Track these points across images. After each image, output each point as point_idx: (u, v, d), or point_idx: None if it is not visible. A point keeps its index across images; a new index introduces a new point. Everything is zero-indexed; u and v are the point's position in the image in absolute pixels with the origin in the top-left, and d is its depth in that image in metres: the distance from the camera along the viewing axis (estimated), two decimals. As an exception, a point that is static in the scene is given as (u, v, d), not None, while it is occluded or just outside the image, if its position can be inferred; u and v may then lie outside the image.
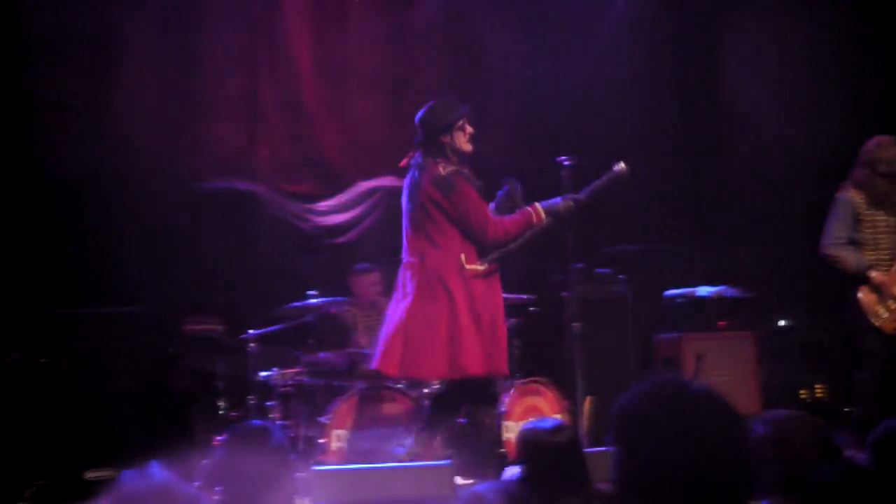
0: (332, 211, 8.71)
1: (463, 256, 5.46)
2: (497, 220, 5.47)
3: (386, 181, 8.79)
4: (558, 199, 5.52)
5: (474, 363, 5.38)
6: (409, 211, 5.64)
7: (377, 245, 8.50)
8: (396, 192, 8.70)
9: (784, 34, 9.18)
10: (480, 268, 5.46)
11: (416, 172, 5.62)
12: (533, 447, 3.57)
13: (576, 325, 5.49)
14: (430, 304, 5.41)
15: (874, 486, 2.31)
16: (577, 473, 3.50)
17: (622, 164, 5.47)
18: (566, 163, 5.56)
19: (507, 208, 5.61)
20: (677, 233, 9.34)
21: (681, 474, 1.86)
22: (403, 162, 8.51)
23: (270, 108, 8.65)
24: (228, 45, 8.49)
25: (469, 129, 5.55)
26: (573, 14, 9.27)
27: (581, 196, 5.54)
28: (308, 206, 8.66)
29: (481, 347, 5.40)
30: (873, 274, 6.11)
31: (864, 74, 8.95)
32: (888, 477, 2.78)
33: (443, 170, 5.47)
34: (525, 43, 9.29)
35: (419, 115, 5.65)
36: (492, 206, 5.61)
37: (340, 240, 8.61)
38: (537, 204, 5.53)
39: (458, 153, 5.53)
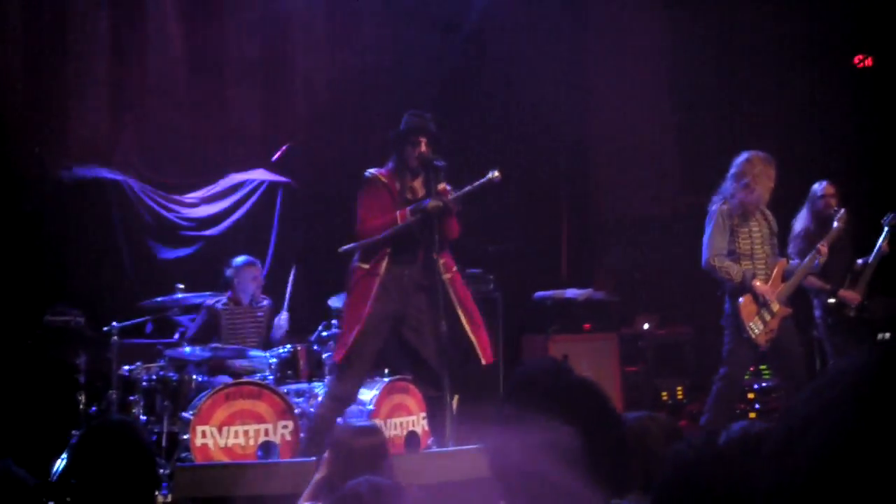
0: (202, 202, 8.56)
1: (358, 253, 5.86)
2: (369, 220, 5.75)
3: (257, 173, 8.70)
4: (428, 200, 5.62)
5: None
6: None
7: (247, 238, 8.40)
8: (268, 185, 8.66)
9: (642, 37, 9.45)
10: (364, 265, 5.77)
11: None
12: (336, 444, 3.59)
13: (443, 323, 5.54)
14: None
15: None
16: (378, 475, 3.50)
17: (496, 173, 5.63)
18: (437, 163, 5.68)
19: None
20: (545, 235, 9.52)
21: (561, 465, 1.89)
22: (277, 155, 8.49)
23: (139, 96, 8.45)
24: (96, 29, 8.24)
25: (421, 148, 5.75)
26: (453, 17, 9.37)
27: (451, 197, 5.66)
28: (177, 196, 8.48)
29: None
30: (757, 283, 6.30)
31: (721, 82, 9.27)
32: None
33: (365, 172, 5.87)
34: (398, 33, 9.34)
35: None
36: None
37: (209, 232, 8.47)
38: (408, 208, 5.73)
39: (407, 164, 5.80)
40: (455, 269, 5.88)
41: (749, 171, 6.41)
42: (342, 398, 5.83)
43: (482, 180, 5.69)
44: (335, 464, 3.58)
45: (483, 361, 5.81)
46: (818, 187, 7.10)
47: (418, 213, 5.66)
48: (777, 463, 1.06)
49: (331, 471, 3.59)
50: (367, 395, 6.80)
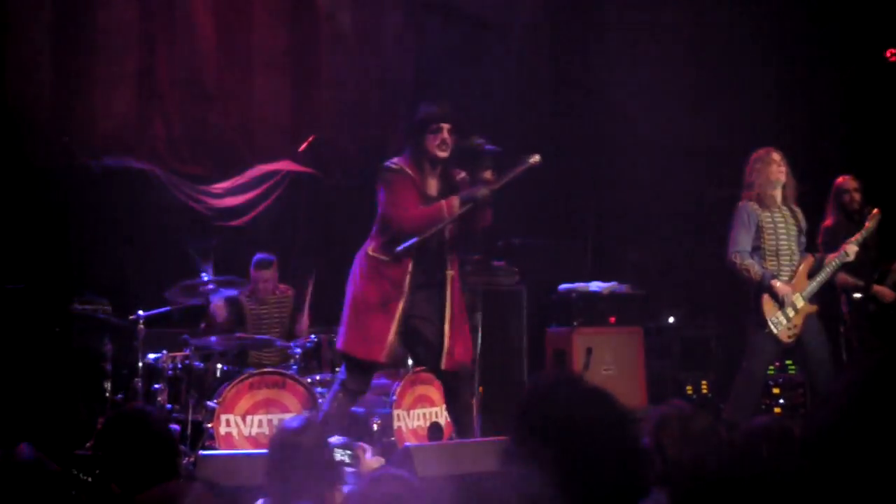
0: (228, 193, 8.59)
1: (372, 244, 5.66)
2: (411, 210, 5.52)
3: (284, 165, 8.72)
4: (477, 188, 5.52)
5: (347, 342, 5.65)
6: None
7: (273, 229, 8.43)
8: (294, 176, 8.68)
9: (668, 32, 9.41)
10: (383, 257, 5.58)
11: None
12: (278, 444, 3.58)
13: (478, 314, 5.52)
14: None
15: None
16: (318, 472, 3.49)
17: (537, 157, 5.49)
18: (488, 147, 5.54)
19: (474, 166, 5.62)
20: (571, 229, 9.51)
21: (579, 467, 1.89)
22: (303, 146, 8.50)
23: (167, 87, 8.49)
24: (125, 20, 8.29)
25: (444, 135, 5.54)
26: (479, 9, 9.36)
27: (496, 185, 5.53)
28: (203, 187, 8.52)
29: (356, 330, 5.61)
30: (777, 284, 6.29)
31: (747, 77, 9.20)
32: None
33: (383, 164, 5.63)
34: (426, 34, 9.35)
35: None
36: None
37: (235, 222, 8.50)
38: (454, 197, 5.53)
39: (427, 155, 5.56)
40: (457, 267, 5.77)
41: (751, 168, 6.45)
42: (357, 391, 5.78)
43: (523, 166, 5.45)
44: (279, 462, 3.53)
45: (443, 365, 5.62)
46: (841, 182, 7.05)
47: (469, 203, 5.45)
48: (813, 455, 1.06)
49: (274, 469, 3.54)
50: (391, 385, 6.82)
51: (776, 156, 6.43)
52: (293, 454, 3.47)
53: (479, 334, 5.59)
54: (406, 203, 5.52)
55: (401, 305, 5.55)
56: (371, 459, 5.69)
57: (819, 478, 1.03)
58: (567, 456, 1.90)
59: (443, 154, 5.55)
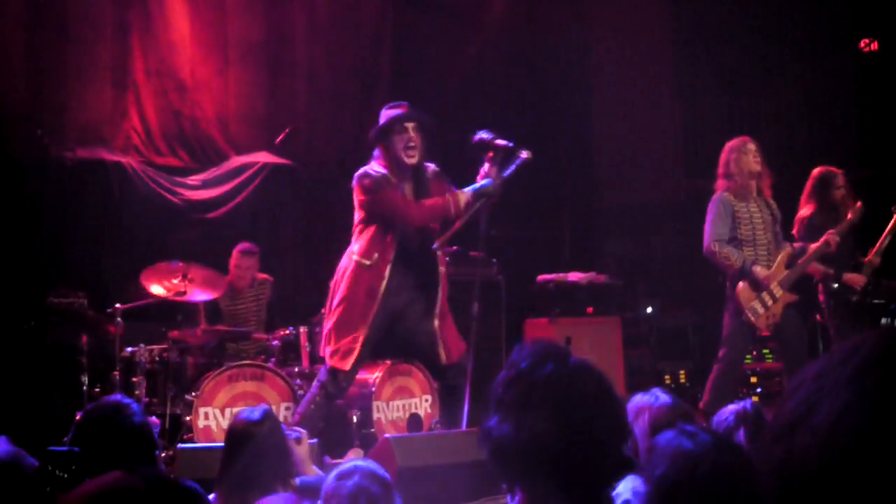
0: (204, 185, 8.55)
1: (356, 247, 5.67)
2: (415, 208, 5.53)
3: (261, 156, 8.68)
4: (488, 182, 5.49)
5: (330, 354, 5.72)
6: None
7: (249, 220, 8.39)
8: (271, 168, 8.65)
9: (644, 24, 9.43)
10: (366, 262, 5.61)
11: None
12: (235, 436, 3.57)
13: (474, 304, 5.53)
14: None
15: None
16: (276, 462, 3.51)
17: (528, 153, 5.49)
18: (498, 142, 5.51)
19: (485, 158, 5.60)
20: (549, 219, 9.52)
21: (561, 439, 1.89)
22: (280, 138, 8.47)
23: (142, 78, 8.42)
24: (99, 11, 8.22)
25: (410, 135, 5.54)
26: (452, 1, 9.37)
27: (501, 181, 5.53)
28: (179, 179, 8.47)
29: (338, 342, 5.68)
30: (758, 269, 6.32)
31: (721, 70, 9.24)
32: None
33: (359, 171, 5.63)
34: (403, 24, 9.33)
35: None
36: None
37: (211, 215, 8.46)
38: (460, 192, 5.54)
39: (396, 159, 5.56)
40: (445, 263, 5.82)
41: (728, 160, 6.47)
42: (335, 395, 5.84)
43: (518, 161, 5.47)
44: (232, 454, 3.52)
45: (444, 361, 5.74)
46: (826, 173, 7.01)
47: (481, 199, 5.44)
48: (784, 444, 1.06)
49: (228, 461, 3.53)
50: (370, 377, 6.81)
51: (752, 146, 6.46)
52: (248, 445, 3.47)
53: (475, 325, 5.59)
54: (400, 202, 5.53)
55: (374, 311, 5.61)
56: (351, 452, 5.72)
57: (790, 466, 1.03)
58: (547, 424, 1.90)
59: (410, 158, 5.55)
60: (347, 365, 5.65)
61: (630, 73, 9.36)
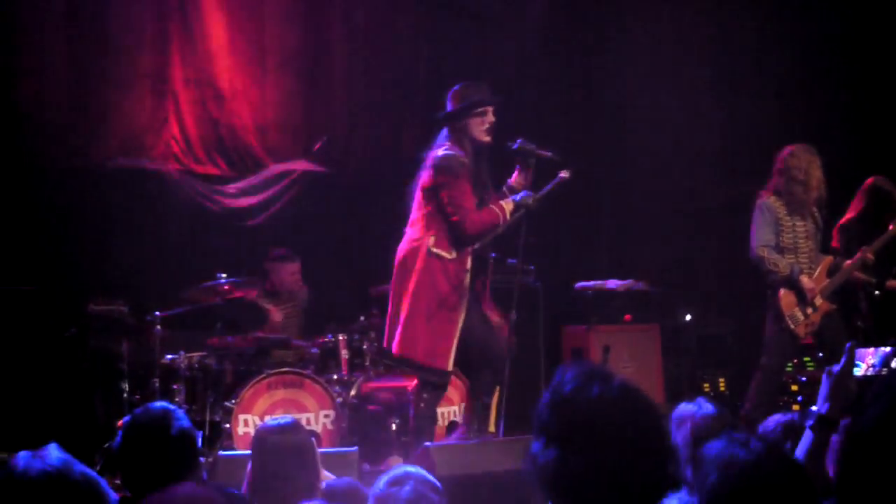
0: (242, 193, 8.59)
1: (432, 239, 5.46)
2: (475, 216, 5.39)
3: (298, 165, 8.72)
4: (527, 196, 5.43)
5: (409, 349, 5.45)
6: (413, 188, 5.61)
7: (287, 229, 8.43)
8: (309, 175, 8.68)
9: (683, 31, 9.36)
10: (448, 255, 5.45)
11: (426, 151, 5.57)
12: (261, 445, 3.56)
13: (513, 312, 5.49)
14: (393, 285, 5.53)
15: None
16: (305, 472, 3.48)
17: (567, 173, 5.47)
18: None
19: (525, 164, 5.56)
20: (587, 226, 9.48)
21: (607, 468, 1.87)
22: (317, 146, 8.50)
23: (181, 87, 8.48)
24: (139, 21, 8.30)
25: (490, 118, 5.45)
26: (490, 8, 9.35)
27: (540, 195, 5.48)
28: (218, 187, 8.52)
29: (422, 337, 5.45)
30: (804, 279, 6.26)
31: (763, 76, 9.15)
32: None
33: (440, 152, 5.43)
34: (438, 33, 9.34)
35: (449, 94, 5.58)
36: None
37: (250, 223, 8.50)
38: (505, 203, 5.45)
39: (473, 141, 5.45)
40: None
41: (799, 166, 6.37)
42: (442, 385, 5.68)
43: (556, 180, 5.46)
44: (261, 463, 3.52)
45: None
46: (882, 184, 6.87)
47: (521, 210, 5.37)
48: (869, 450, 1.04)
49: (256, 470, 3.53)
50: (408, 384, 6.81)
51: (817, 156, 6.38)
52: (273, 455, 3.47)
53: (512, 332, 5.56)
54: (469, 202, 5.37)
55: (464, 305, 5.48)
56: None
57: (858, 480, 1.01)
58: (593, 454, 1.88)
59: (489, 139, 5.44)
60: (448, 364, 5.48)
61: (668, 79, 9.30)
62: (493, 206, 5.41)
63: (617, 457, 1.87)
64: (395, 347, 5.50)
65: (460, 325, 5.47)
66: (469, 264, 5.51)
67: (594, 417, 1.92)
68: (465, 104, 5.45)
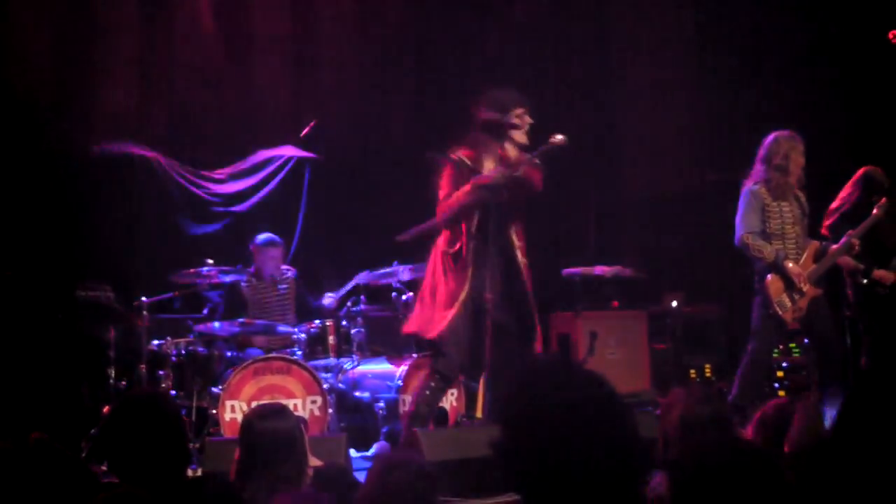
0: (230, 178, 8.56)
1: (441, 235, 5.70)
2: (439, 207, 5.61)
3: (286, 150, 8.69)
4: (494, 172, 5.51)
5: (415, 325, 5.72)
6: None
7: (275, 214, 8.40)
8: (296, 161, 8.66)
9: (673, 17, 9.38)
10: (449, 249, 5.62)
11: None
12: (249, 431, 3.56)
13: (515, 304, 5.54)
14: None
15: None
16: (293, 459, 3.49)
17: (560, 136, 5.48)
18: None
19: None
20: (574, 212, 9.49)
21: (569, 463, 1.87)
22: (305, 131, 8.48)
23: (167, 72, 8.45)
24: (125, 6, 8.26)
25: (527, 119, 5.62)
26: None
27: (513, 171, 5.53)
28: (205, 172, 8.49)
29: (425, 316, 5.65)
30: (790, 265, 6.28)
31: (746, 60, 9.16)
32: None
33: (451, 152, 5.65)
34: (428, 16, 9.32)
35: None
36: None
37: (237, 208, 8.48)
38: (469, 183, 5.53)
39: (505, 137, 5.61)
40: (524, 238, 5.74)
41: (778, 152, 6.40)
42: (447, 376, 5.71)
43: (546, 146, 5.53)
44: (249, 449, 3.52)
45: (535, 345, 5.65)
46: (873, 175, 6.88)
47: (484, 190, 5.46)
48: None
49: (244, 456, 3.52)
50: (396, 370, 6.82)
51: (801, 142, 6.40)
52: (261, 441, 3.47)
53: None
54: (440, 193, 5.60)
55: (465, 291, 5.54)
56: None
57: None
58: (555, 444, 1.88)
59: (525, 140, 5.62)
60: (434, 333, 5.65)
61: (651, 66, 9.31)
62: (456, 193, 5.55)
63: (573, 444, 1.87)
64: (407, 327, 5.86)
65: (460, 303, 5.54)
66: (472, 259, 5.57)
67: (553, 403, 1.92)
68: (494, 106, 5.64)
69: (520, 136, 5.60)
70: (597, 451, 1.87)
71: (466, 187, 5.49)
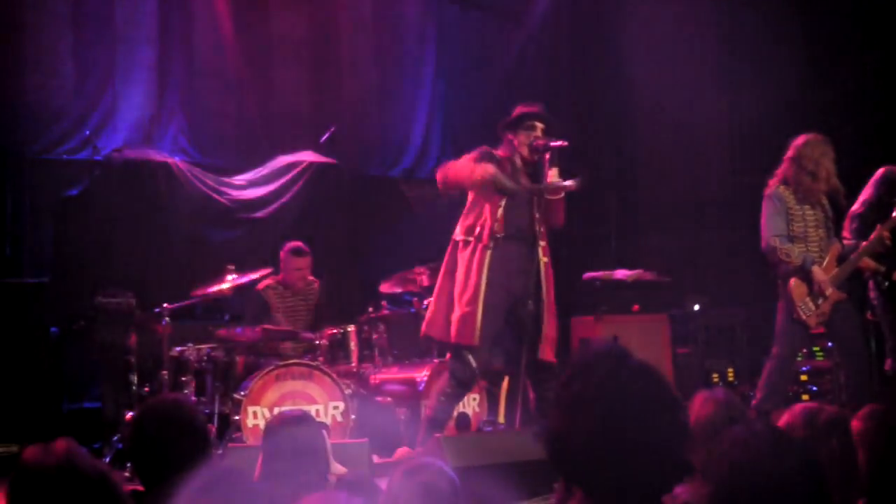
0: (250, 185, 8.57)
1: (458, 227, 5.72)
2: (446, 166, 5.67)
3: (306, 156, 8.70)
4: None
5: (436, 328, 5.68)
6: None
7: (295, 220, 8.41)
8: (316, 167, 8.67)
9: (696, 20, 9.33)
10: (466, 239, 5.64)
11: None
12: (271, 437, 3.55)
13: (531, 305, 5.50)
14: None
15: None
16: (315, 464, 3.50)
17: (573, 182, 5.53)
18: (551, 143, 5.54)
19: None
20: (595, 216, 9.47)
21: (621, 451, 1.86)
22: (325, 137, 8.49)
23: (187, 78, 8.48)
24: (144, 12, 8.29)
25: (537, 133, 5.65)
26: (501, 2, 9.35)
27: (531, 186, 5.59)
28: (225, 179, 8.50)
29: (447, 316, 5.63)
30: (816, 270, 6.23)
31: (774, 62, 9.11)
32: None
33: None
34: (446, 22, 9.33)
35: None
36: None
37: (258, 214, 8.48)
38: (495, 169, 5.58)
39: (517, 152, 5.67)
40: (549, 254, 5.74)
41: (811, 156, 6.33)
42: (464, 381, 5.69)
43: (561, 184, 5.56)
44: (272, 455, 3.51)
45: (539, 355, 5.59)
46: (893, 176, 6.83)
47: (501, 187, 5.50)
48: None
49: (267, 462, 3.52)
50: (417, 375, 6.80)
51: (831, 147, 6.35)
52: (284, 446, 3.46)
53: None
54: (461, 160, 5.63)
55: (483, 284, 5.52)
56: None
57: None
58: (607, 431, 1.87)
59: (530, 153, 5.63)
60: (473, 339, 5.56)
61: (674, 69, 9.27)
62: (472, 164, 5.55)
63: (624, 432, 1.86)
64: (426, 329, 5.82)
65: (481, 302, 5.52)
66: (488, 257, 5.56)
67: (602, 391, 1.91)
68: (509, 119, 5.72)
69: (524, 144, 5.65)
70: (650, 439, 1.87)
71: (489, 167, 5.50)
